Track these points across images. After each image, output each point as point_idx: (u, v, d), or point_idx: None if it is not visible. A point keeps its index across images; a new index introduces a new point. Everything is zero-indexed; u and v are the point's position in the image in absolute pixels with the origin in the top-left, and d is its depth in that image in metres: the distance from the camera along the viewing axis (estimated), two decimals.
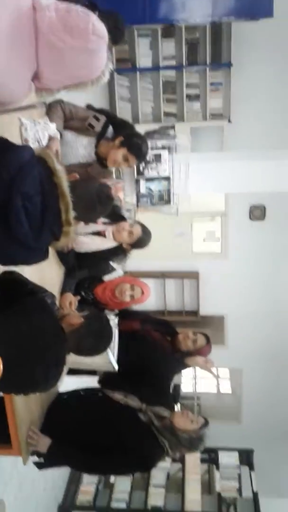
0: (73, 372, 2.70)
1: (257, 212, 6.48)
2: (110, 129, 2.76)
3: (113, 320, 2.74)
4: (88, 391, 2.75)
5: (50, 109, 2.60)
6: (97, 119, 2.68)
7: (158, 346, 2.98)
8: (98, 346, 1.96)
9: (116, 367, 2.65)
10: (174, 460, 5.12)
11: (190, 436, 2.51)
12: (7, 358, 1.61)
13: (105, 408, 2.58)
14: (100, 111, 2.81)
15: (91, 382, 2.94)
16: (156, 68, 6.00)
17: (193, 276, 6.73)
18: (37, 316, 1.78)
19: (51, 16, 1.35)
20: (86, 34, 1.38)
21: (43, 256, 1.90)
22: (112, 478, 5.18)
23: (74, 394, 2.70)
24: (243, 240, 6.51)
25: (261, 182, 3.66)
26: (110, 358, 2.56)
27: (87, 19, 1.37)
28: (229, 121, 6.02)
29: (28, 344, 1.72)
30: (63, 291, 2.80)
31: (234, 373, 7.51)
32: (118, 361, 2.68)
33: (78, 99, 2.70)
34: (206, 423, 2.57)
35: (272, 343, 6.72)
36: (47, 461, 2.50)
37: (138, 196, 3.59)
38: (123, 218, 2.99)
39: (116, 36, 1.95)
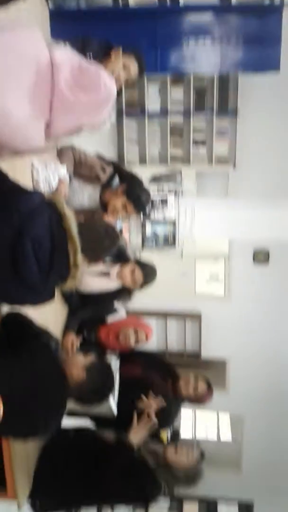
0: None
1: (261, 256, 6.49)
2: (117, 181, 2.83)
3: (115, 364, 2.71)
4: (79, 432, 2.66)
5: (61, 153, 2.67)
6: (104, 170, 2.75)
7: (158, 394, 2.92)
8: (99, 397, 1.94)
9: (116, 413, 2.59)
10: (172, 498, 4.94)
11: (186, 471, 2.41)
12: (9, 400, 1.59)
13: (97, 448, 2.46)
14: (109, 161, 2.88)
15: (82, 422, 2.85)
16: (164, 113, 6.18)
17: (196, 317, 6.68)
18: (40, 360, 1.76)
19: (66, 77, 1.47)
20: (98, 89, 1.51)
21: (50, 297, 1.90)
22: None
23: (64, 435, 2.61)
24: (247, 283, 6.48)
25: (265, 229, 3.70)
26: (110, 404, 2.51)
27: (98, 75, 1.51)
28: (234, 166, 6.14)
29: (31, 388, 1.70)
30: (65, 329, 2.78)
31: (235, 420, 7.32)
32: (117, 406, 2.62)
33: (89, 140, 2.77)
34: (202, 456, 2.47)
35: (275, 390, 6.57)
36: (42, 505, 2.40)
37: (144, 238, 3.63)
38: (128, 259, 3.01)
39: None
